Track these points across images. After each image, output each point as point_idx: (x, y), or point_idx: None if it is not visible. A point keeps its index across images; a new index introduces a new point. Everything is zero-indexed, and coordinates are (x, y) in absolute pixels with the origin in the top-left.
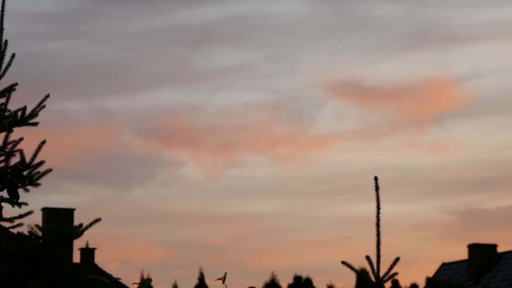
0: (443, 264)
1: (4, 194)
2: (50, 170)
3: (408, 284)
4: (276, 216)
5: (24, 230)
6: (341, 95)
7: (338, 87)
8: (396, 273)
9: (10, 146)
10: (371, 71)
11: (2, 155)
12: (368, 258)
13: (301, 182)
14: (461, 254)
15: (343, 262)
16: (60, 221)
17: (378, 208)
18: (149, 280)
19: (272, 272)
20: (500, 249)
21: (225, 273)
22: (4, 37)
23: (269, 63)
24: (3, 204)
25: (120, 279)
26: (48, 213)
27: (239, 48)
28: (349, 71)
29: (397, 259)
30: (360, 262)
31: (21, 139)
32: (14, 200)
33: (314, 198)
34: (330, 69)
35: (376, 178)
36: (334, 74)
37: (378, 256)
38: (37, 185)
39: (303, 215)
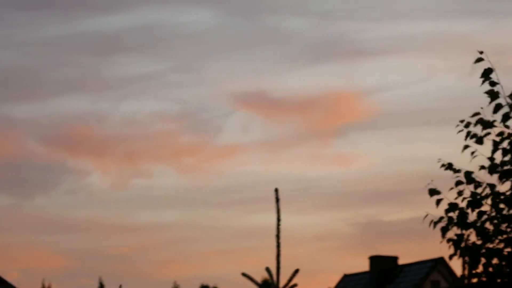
0: (345, 276)
1: None
2: None
3: None
4: (181, 226)
5: None
6: (248, 106)
7: (245, 98)
8: (295, 285)
9: None
10: (278, 83)
11: None
12: (268, 269)
13: (206, 192)
14: (363, 265)
15: (244, 274)
16: None
17: (278, 220)
18: None
19: (175, 282)
20: (401, 261)
21: (120, 286)
22: None
23: (176, 73)
24: None
25: None
26: None
27: (147, 57)
28: (256, 83)
29: (296, 271)
30: (263, 273)
31: None
32: None
33: (219, 208)
34: (237, 80)
35: (276, 190)
36: (241, 85)
37: (278, 268)
38: None
39: (208, 225)
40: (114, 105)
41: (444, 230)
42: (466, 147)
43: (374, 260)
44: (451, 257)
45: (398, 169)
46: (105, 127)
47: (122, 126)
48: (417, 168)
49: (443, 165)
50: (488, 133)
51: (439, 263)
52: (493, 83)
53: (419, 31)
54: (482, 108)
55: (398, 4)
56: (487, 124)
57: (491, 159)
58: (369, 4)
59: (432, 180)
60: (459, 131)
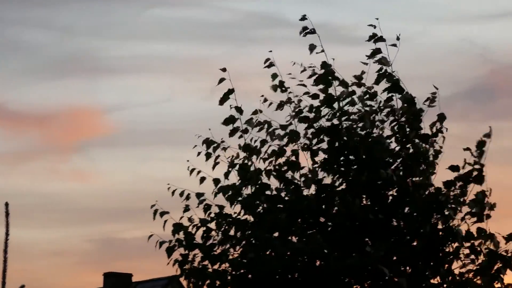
0: None
1: None
2: None
3: None
4: None
5: None
6: None
7: None
8: None
9: None
10: (17, 95)
11: None
12: None
13: None
14: (97, 282)
15: None
16: None
17: (7, 234)
18: None
19: None
20: (135, 278)
21: None
22: None
23: None
24: None
25: None
26: None
27: None
28: None
29: (22, 286)
30: None
31: None
32: None
33: None
34: None
35: (6, 204)
36: None
37: (4, 283)
38: None
39: None
40: None
41: (170, 251)
42: (192, 171)
43: (108, 276)
44: (178, 277)
45: (136, 187)
46: None
47: None
48: (154, 187)
49: (173, 192)
50: (218, 156)
51: (172, 281)
52: (238, 109)
53: (161, 53)
54: (210, 129)
55: (138, 25)
56: (211, 143)
57: (216, 181)
58: (111, 22)
59: (157, 201)
60: (198, 153)
